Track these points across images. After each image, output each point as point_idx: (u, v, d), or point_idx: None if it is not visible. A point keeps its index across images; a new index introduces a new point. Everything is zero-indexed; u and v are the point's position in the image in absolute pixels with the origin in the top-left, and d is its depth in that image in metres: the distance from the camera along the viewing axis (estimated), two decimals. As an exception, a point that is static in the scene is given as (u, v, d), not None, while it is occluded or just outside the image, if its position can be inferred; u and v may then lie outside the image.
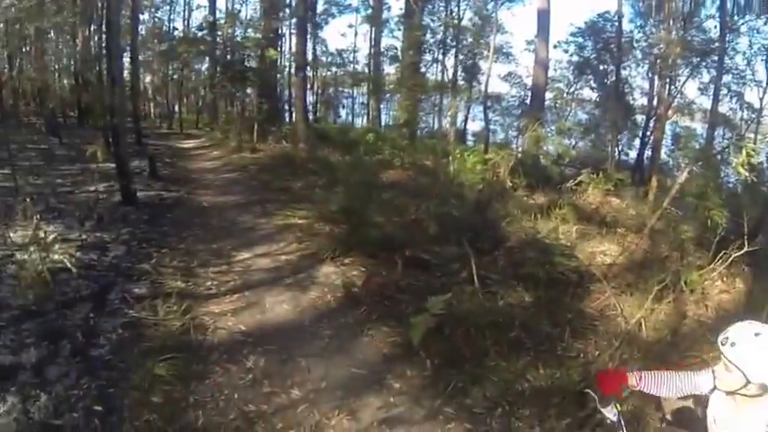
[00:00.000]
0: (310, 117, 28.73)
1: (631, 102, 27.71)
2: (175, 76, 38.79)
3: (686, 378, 3.35)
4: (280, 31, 30.09)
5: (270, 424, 5.07)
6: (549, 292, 7.87)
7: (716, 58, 23.51)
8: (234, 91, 25.73)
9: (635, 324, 6.81)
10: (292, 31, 31.23)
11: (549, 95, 27.85)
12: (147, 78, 39.51)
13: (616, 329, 7.07)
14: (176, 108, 38.90)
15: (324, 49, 37.64)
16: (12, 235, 8.62)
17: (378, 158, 17.22)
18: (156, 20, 39.63)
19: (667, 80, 24.37)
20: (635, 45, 27.24)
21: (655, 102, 25.92)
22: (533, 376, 5.91)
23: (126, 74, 29.64)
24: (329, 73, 38.75)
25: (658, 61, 24.42)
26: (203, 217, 12.04)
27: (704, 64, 24.45)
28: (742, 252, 7.45)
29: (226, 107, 34.85)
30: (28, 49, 26.08)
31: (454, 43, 29.50)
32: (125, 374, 5.50)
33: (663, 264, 8.83)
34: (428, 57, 31.53)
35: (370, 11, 34.88)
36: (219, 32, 32.43)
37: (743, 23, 23.95)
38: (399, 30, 33.65)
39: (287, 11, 30.14)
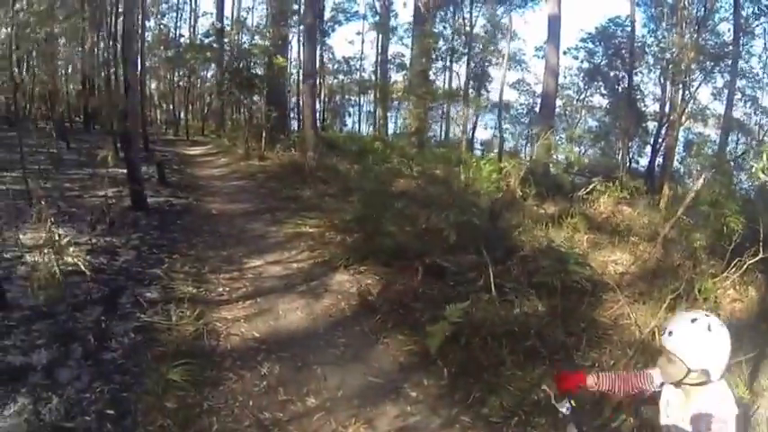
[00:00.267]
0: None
1: (643, 108, 27.61)
2: (182, 83, 38.84)
3: (641, 376, 3.38)
4: (288, 39, 30.07)
5: (285, 432, 4.98)
6: (563, 300, 7.75)
7: (730, 61, 23.39)
8: (242, 98, 25.70)
9: (649, 333, 6.71)
10: (299, 38, 31.28)
11: (558, 102, 27.72)
12: (153, 85, 39.53)
13: (630, 338, 6.99)
14: (182, 115, 38.92)
15: (331, 56, 37.73)
16: (21, 237, 8.55)
17: (387, 167, 17.13)
18: (162, 26, 39.73)
19: (680, 85, 24.24)
20: (647, 50, 27.16)
21: (667, 108, 25.78)
22: (549, 385, 5.77)
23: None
24: (336, 81, 38.72)
25: (670, 66, 24.29)
26: (213, 224, 11.95)
27: (717, 69, 24.38)
28: (756, 259, 7.37)
29: (232, 114, 34.86)
30: (37, 53, 25.99)
31: (465, 51, 29.44)
32: (138, 379, 5.43)
33: (675, 272, 8.76)
34: (438, 64, 31.58)
35: (377, 18, 34.91)
36: (226, 39, 32.50)
37: (758, 25, 23.92)
38: (408, 37, 33.77)
39: (295, 18, 30.12)
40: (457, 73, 31.58)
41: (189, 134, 32.95)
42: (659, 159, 25.67)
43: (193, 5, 40.89)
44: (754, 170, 6.83)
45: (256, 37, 30.24)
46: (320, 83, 34.23)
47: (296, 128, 29.21)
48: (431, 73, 29.88)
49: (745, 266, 7.65)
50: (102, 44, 28.20)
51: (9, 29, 22.12)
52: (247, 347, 6.43)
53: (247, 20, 36.61)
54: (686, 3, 23.93)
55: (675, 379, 2.91)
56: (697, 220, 10.08)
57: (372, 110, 38.31)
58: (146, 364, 5.67)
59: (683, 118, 24.56)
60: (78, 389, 5.13)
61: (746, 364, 6.04)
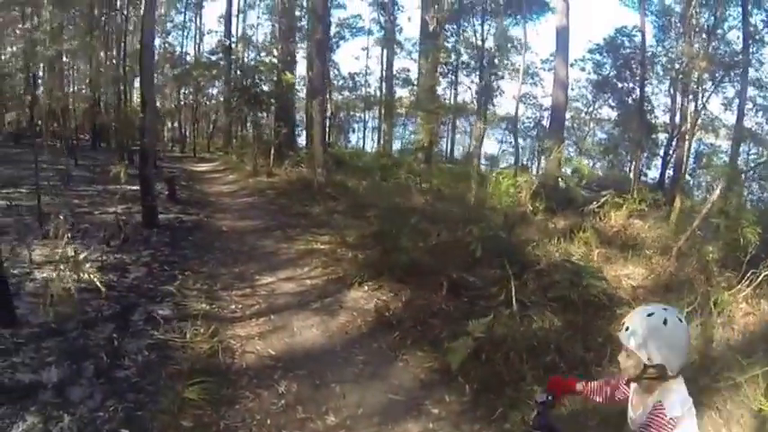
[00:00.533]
0: (324, 141, 28.69)
1: (652, 120, 27.43)
2: (188, 101, 38.93)
3: (617, 382, 3.32)
4: (298, 56, 30.16)
5: (306, 451, 4.85)
6: (580, 315, 7.68)
7: (740, 70, 23.26)
8: (250, 114, 25.71)
9: None
10: (303, 55, 31.36)
11: (566, 115, 27.60)
12: (159, 102, 39.63)
13: None
14: (188, 132, 38.97)
15: (336, 72, 37.70)
16: (25, 252, 8.47)
17: (395, 183, 17.05)
18: (168, 45, 39.96)
19: (690, 96, 24.13)
20: (655, 60, 27.06)
21: (677, 119, 25.67)
22: (569, 400, 5.58)
23: (135, 97, 30.07)
24: (341, 97, 38.73)
25: (680, 77, 24.19)
26: (223, 241, 11.86)
27: (728, 78, 24.29)
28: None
29: (240, 131, 34.89)
30: (48, 70, 26.15)
31: (476, 64, 29.41)
32: (153, 397, 5.28)
33: (689, 286, 8.58)
34: (444, 79, 31.57)
35: (383, 33, 34.94)
36: (233, 56, 32.58)
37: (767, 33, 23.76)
38: (415, 51, 33.74)
39: (301, 34, 30.18)
40: (468, 87, 31.68)
41: (195, 151, 33.02)
42: (669, 171, 25.53)
43: (199, 23, 41.22)
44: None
45: (262, 53, 30.31)
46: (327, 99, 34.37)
47: (303, 144, 29.13)
48: (438, 87, 29.89)
49: (760, 279, 7.70)
50: (112, 62, 28.36)
51: (18, 47, 22.28)
52: (263, 365, 6.29)
53: (253, 37, 36.76)
54: (695, 12, 23.90)
55: (633, 374, 2.88)
56: (706, 232, 10.00)
57: (377, 126, 38.36)
58: (161, 383, 5.53)
59: (693, 128, 24.44)
60: (91, 408, 4.99)
61: (763, 378, 5.91)
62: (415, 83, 33.06)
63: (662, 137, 27.25)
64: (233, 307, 7.95)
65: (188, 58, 40.03)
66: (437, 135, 23.81)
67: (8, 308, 6.38)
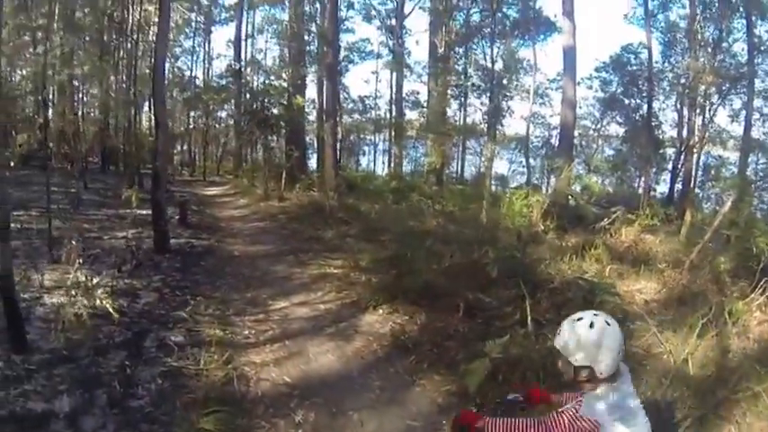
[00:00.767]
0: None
1: (660, 135, 27.38)
2: (197, 124, 39.10)
3: (553, 420, 3.01)
4: (307, 79, 30.25)
5: (326, 482, 4.71)
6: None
7: (746, 82, 23.24)
8: (261, 137, 25.71)
9: (683, 362, 6.55)
10: (313, 79, 31.43)
11: (575, 133, 27.55)
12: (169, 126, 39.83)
13: (664, 367, 6.75)
14: (198, 155, 39.08)
15: (346, 95, 37.73)
16: (36, 277, 8.39)
17: (407, 206, 16.98)
18: (177, 69, 40.25)
19: (698, 110, 24.08)
20: (661, 76, 27.02)
21: (685, 133, 25.58)
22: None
23: (145, 120, 30.21)
24: (351, 120, 38.78)
25: (686, 91, 24.13)
26: (235, 266, 11.75)
27: (734, 91, 24.28)
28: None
29: (250, 154, 34.97)
30: (57, 93, 26.31)
31: (485, 86, 29.44)
32: (168, 428, 5.17)
33: (703, 298, 8.53)
34: (454, 101, 31.63)
35: (391, 56, 35.05)
36: (243, 80, 32.71)
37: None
38: (425, 74, 33.79)
39: (311, 58, 30.30)
40: (479, 108, 31.73)
41: (205, 174, 33.07)
42: (678, 185, 25.41)
43: (207, 48, 41.59)
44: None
45: (272, 77, 30.40)
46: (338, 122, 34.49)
47: (313, 167, 29.12)
48: (448, 109, 29.93)
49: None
50: (122, 86, 28.56)
51: (29, 70, 22.41)
52: (279, 393, 6.14)
53: (262, 61, 36.98)
54: (700, 26, 23.88)
55: (569, 378, 3.06)
56: (717, 244, 9.93)
57: (387, 148, 38.40)
58: (175, 413, 5.40)
59: (702, 142, 24.39)
60: (105, 439, 4.87)
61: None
62: (425, 105, 33.23)
63: (670, 151, 27.15)
64: (246, 332, 7.82)
65: (197, 81, 40.42)
66: (448, 157, 23.77)
67: (19, 334, 6.28)
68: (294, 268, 11.66)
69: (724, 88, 24.01)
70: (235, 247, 13.70)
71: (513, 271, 8.95)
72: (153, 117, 13.59)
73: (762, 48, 23.46)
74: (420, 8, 33.19)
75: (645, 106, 26.45)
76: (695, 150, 24.95)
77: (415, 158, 38.08)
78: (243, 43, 36.98)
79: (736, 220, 10.78)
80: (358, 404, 5.98)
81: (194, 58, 41.68)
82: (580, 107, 30.04)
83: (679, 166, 25.46)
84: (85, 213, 14.98)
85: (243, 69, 34.69)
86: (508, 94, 31.93)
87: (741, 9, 23.31)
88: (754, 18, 22.94)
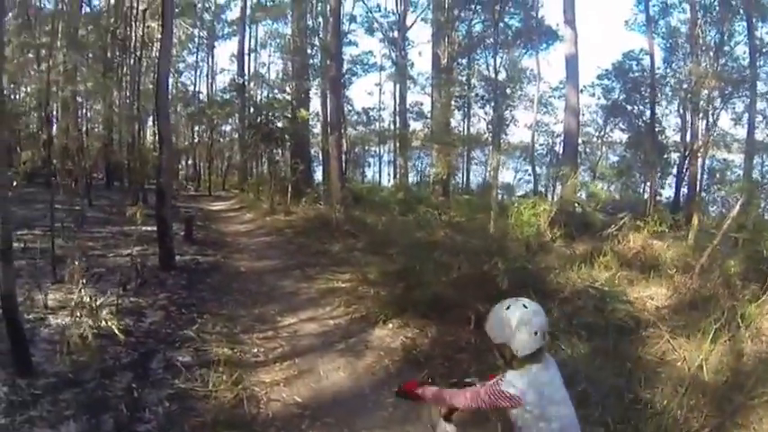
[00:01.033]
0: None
1: (663, 140, 27.27)
2: (202, 139, 39.15)
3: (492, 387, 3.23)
4: (311, 92, 30.21)
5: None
6: (607, 340, 7.45)
7: (748, 85, 23.19)
8: (266, 151, 25.69)
9: (697, 368, 6.39)
10: (316, 92, 31.37)
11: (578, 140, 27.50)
12: (173, 141, 39.86)
13: (679, 374, 6.61)
14: (203, 170, 39.08)
15: (350, 108, 37.62)
16: (41, 297, 8.25)
17: (414, 218, 16.86)
18: (180, 84, 40.31)
19: (701, 114, 23.99)
20: (663, 82, 26.94)
21: (688, 137, 25.50)
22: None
23: (149, 135, 30.23)
24: (355, 132, 38.69)
25: (689, 96, 24.03)
26: (242, 282, 11.64)
27: (736, 94, 24.26)
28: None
29: (255, 168, 34.94)
30: (61, 110, 26.34)
31: (489, 96, 29.38)
32: (177, 455, 4.99)
33: (714, 302, 8.39)
34: (458, 111, 31.60)
35: (394, 68, 35.03)
36: (247, 94, 32.72)
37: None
38: (428, 85, 33.78)
39: (314, 71, 30.29)
40: (483, 118, 31.64)
41: (211, 189, 33.02)
42: (683, 189, 25.29)
43: (211, 63, 41.69)
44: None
45: (276, 91, 30.41)
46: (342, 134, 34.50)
47: (319, 180, 29.04)
48: (452, 119, 29.89)
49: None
50: (126, 101, 28.60)
51: (33, 87, 22.42)
52: (290, 414, 6.00)
53: (265, 75, 37.03)
54: (701, 31, 23.85)
55: (500, 363, 3.27)
56: (725, 247, 9.85)
57: (392, 159, 38.37)
58: (184, 438, 5.23)
59: (706, 146, 24.30)
60: (112, 466, 4.73)
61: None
62: (429, 116, 33.22)
63: (674, 156, 27.10)
64: (255, 351, 7.70)
65: (201, 96, 40.51)
66: (453, 167, 23.69)
67: (24, 357, 6.16)
68: (301, 283, 11.55)
69: (727, 92, 23.98)
70: (241, 262, 13.59)
71: (523, 281, 8.80)
72: (157, 132, 13.47)
73: (763, 50, 23.52)
74: (422, 20, 33.18)
75: (648, 112, 26.48)
76: (699, 154, 24.96)
77: (421, 169, 38.03)
78: (246, 57, 37.14)
79: (743, 223, 10.67)
80: (370, 423, 5.87)
81: (198, 73, 41.82)
82: (583, 114, 29.97)
83: (684, 170, 25.36)
84: (90, 231, 14.88)
85: (246, 83, 34.78)
86: (512, 103, 31.95)
87: (741, 12, 23.34)
88: (754, 20, 23.03)
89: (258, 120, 25.72)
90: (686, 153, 25.23)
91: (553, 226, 13.30)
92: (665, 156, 26.71)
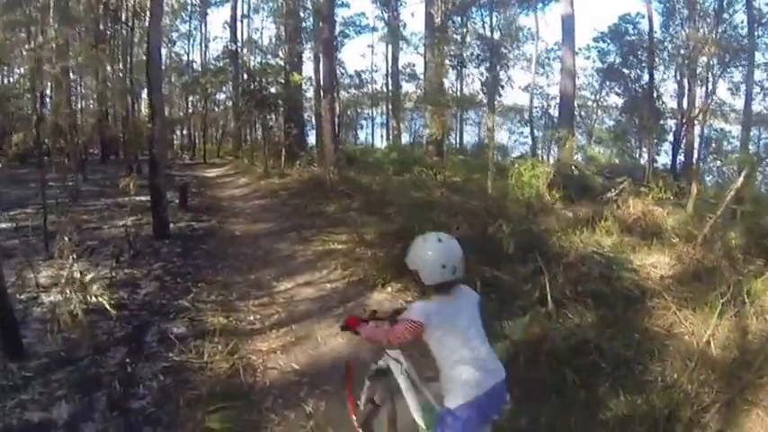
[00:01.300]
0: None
1: (660, 106, 26.91)
2: (196, 108, 38.92)
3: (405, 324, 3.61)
4: (304, 57, 29.95)
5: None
6: (613, 309, 7.26)
7: (746, 54, 22.87)
8: (260, 117, 25.61)
9: (705, 343, 6.30)
10: (309, 56, 31.10)
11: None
12: (167, 112, 39.60)
13: (687, 348, 6.46)
14: (198, 139, 38.89)
15: (342, 71, 37.45)
16: (33, 275, 8.12)
17: (409, 178, 16.70)
18: (174, 54, 39.99)
19: (699, 81, 23.69)
20: (660, 47, 26.58)
21: (685, 104, 25.21)
22: (615, 404, 5.35)
23: (144, 108, 30.01)
24: (348, 95, 38.46)
25: (686, 62, 23.70)
26: (237, 246, 11.52)
27: (734, 63, 23.96)
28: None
29: (249, 134, 34.76)
30: (55, 86, 26.03)
31: (484, 55, 29.04)
32: (172, 429, 4.93)
33: (717, 274, 8.12)
34: (452, 71, 31.25)
35: (387, 29, 34.66)
36: (240, 61, 32.46)
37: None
38: (421, 46, 33.44)
39: (307, 34, 29.93)
40: (479, 78, 31.32)
41: (206, 157, 32.88)
42: (680, 157, 25.08)
43: (204, 31, 41.42)
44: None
45: (269, 56, 30.11)
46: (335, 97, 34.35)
47: (313, 143, 28.86)
48: (445, 80, 29.58)
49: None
50: (119, 74, 28.31)
51: (26, 67, 22.15)
52: (288, 382, 5.88)
53: (258, 40, 36.75)
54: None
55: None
56: (723, 218, 9.65)
57: (385, 122, 38.24)
58: (179, 412, 5.14)
59: (705, 114, 24.04)
60: (105, 445, 4.62)
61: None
62: (422, 77, 32.90)
63: (670, 123, 26.84)
64: (251, 318, 7.56)
65: (195, 65, 40.28)
66: (447, 128, 23.48)
67: (14, 340, 6.03)
68: (297, 245, 11.43)
69: (725, 60, 23.63)
70: (236, 226, 13.49)
71: (528, 244, 8.70)
72: (149, 103, 13.29)
73: (762, 20, 23.12)
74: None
75: (645, 77, 26.31)
76: (697, 122, 24.64)
77: (414, 130, 37.91)
78: (239, 24, 36.92)
79: (742, 195, 10.51)
80: (370, 390, 5.69)
81: (191, 41, 41.74)
82: (578, 78, 29.81)
83: (681, 137, 25.10)
84: (85, 205, 14.84)
85: (240, 50, 34.53)
86: (507, 63, 31.64)
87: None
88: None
89: (251, 86, 25.59)
90: (683, 120, 24.95)
91: (551, 188, 13.13)
92: (662, 122, 26.43)
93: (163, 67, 27.68)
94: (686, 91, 25.53)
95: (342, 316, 7.51)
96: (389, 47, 35.08)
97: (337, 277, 9.27)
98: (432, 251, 3.51)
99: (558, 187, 13.28)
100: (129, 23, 26.80)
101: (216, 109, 40.23)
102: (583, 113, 32.36)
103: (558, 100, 26.51)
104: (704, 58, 23.05)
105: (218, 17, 71.45)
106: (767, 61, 25.02)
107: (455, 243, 3.57)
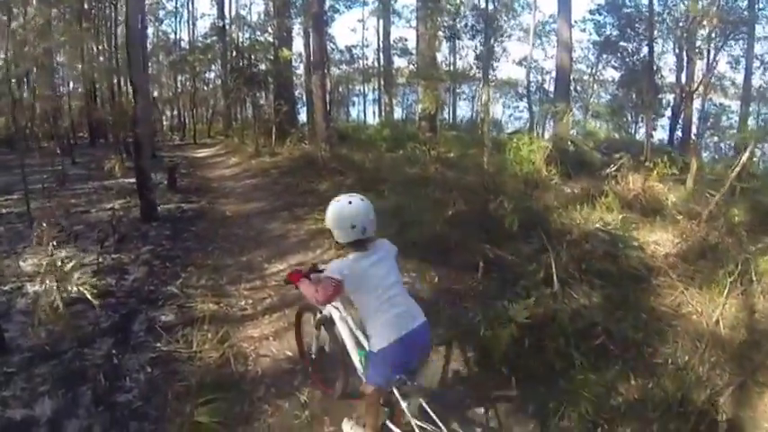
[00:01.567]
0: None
1: (658, 80, 26.56)
2: (185, 87, 38.63)
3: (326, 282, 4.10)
4: (293, 33, 29.55)
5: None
6: (619, 288, 7.03)
7: (746, 28, 22.58)
8: (249, 95, 25.37)
9: (714, 324, 6.14)
10: (299, 32, 30.69)
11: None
12: (156, 92, 39.24)
13: (696, 328, 6.28)
14: (187, 119, 38.58)
15: (333, 46, 36.91)
16: (21, 264, 7.86)
17: (402, 154, 16.46)
18: (161, 33, 39.60)
19: (698, 54, 23.36)
20: (658, 19, 26.18)
21: (683, 78, 24.86)
22: (626, 388, 5.23)
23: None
24: (338, 71, 38.09)
25: (684, 35, 23.34)
26: (228, 227, 11.24)
27: (734, 36, 23.56)
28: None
29: (240, 113, 34.49)
30: (37, 68, 25.61)
31: (479, 26, 28.65)
32: (160, 425, 4.70)
33: (724, 252, 7.89)
34: (445, 44, 30.96)
35: (376, 3, 34.30)
36: (228, 38, 32.16)
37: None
38: (413, 18, 33.04)
39: (296, 9, 29.50)
40: (474, 50, 31.04)
41: (196, 137, 32.64)
42: (677, 133, 24.80)
43: (191, 8, 40.96)
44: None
45: (257, 33, 29.72)
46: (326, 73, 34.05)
47: (304, 121, 28.53)
48: (438, 53, 29.31)
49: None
50: (105, 55, 27.95)
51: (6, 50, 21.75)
52: (281, 370, 5.64)
53: (247, 16, 36.26)
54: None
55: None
56: (725, 195, 9.39)
57: (377, 98, 37.97)
58: (167, 406, 4.91)
59: (706, 88, 23.77)
60: (90, 443, 4.39)
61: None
62: (414, 52, 32.50)
63: (668, 97, 26.47)
64: (242, 303, 7.29)
65: (183, 44, 39.78)
66: (440, 103, 23.21)
67: (-5, 335, 5.76)
68: (290, 225, 11.16)
69: (725, 33, 23.24)
70: (227, 207, 13.19)
71: (531, 221, 8.48)
72: (130, 81, 12.89)
73: None
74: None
75: (642, 50, 25.74)
76: (695, 97, 24.29)
77: (406, 106, 37.67)
78: (227, 0, 36.31)
79: (741, 171, 10.30)
80: (366, 375, 5.47)
81: (178, 19, 40.97)
82: (574, 51, 29.43)
83: (679, 112, 24.78)
84: (72, 189, 14.50)
85: (228, 26, 34.11)
86: (503, 35, 31.32)
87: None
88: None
89: (240, 63, 25.32)
90: (682, 95, 24.61)
91: (549, 164, 12.90)
92: (660, 96, 26.06)
93: (150, 46, 27.35)
94: (685, 65, 25.21)
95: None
96: (380, 21, 34.71)
97: (331, 257, 8.82)
98: (342, 212, 3.94)
99: (556, 163, 13.03)
100: (113, 0, 26.39)
101: (205, 88, 39.86)
102: (579, 88, 31.97)
103: (553, 74, 26.26)
104: (703, 32, 22.70)
105: (205, -7, 70.66)
106: (767, 35, 24.72)
107: (365, 204, 4.01)
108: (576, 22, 28.62)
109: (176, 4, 40.30)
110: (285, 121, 22.80)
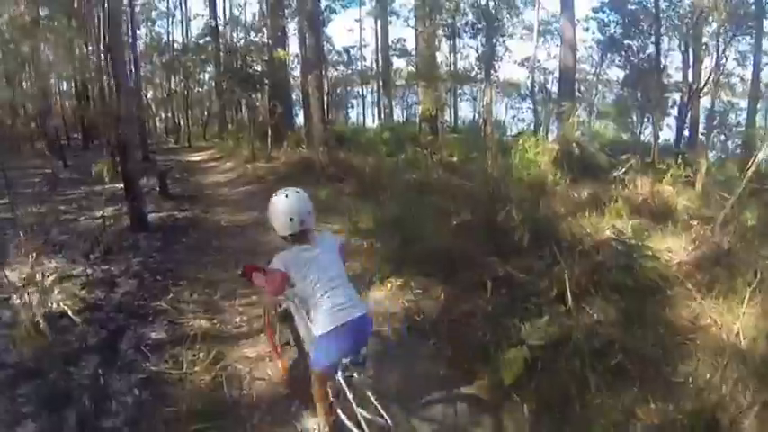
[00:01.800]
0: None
1: (665, 79, 26.32)
2: (179, 89, 38.47)
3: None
4: (288, 34, 29.32)
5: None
6: (636, 303, 6.61)
7: (754, 23, 22.33)
8: (245, 96, 25.08)
9: (735, 337, 5.76)
10: (294, 33, 30.45)
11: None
12: (150, 93, 38.96)
13: (715, 342, 5.87)
14: (182, 121, 38.39)
15: (330, 47, 36.77)
16: (8, 274, 7.49)
17: (403, 158, 16.19)
18: (154, 34, 39.47)
19: (704, 50, 23.12)
20: (663, 15, 25.97)
21: (690, 77, 24.59)
22: (644, 412, 4.83)
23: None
24: (336, 73, 37.81)
25: (690, 32, 23.10)
26: (223, 238, 10.96)
27: (740, 31, 23.29)
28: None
29: (234, 115, 34.28)
30: (26, 70, 25.32)
31: (480, 25, 28.38)
32: (146, 455, 4.34)
33: (737, 258, 7.53)
34: (445, 44, 30.77)
35: (375, 2, 34.12)
36: (222, 39, 31.96)
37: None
38: (412, 18, 32.87)
39: (291, 10, 29.24)
40: (474, 49, 30.79)
41: (190, 140, 32.41)
42: (684, 132, 24.55)
43: (184, 9, 40.85)
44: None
45: (252, 33, 29.47)
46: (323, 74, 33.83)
47: (301, 124, 28.27)
48: (438, 53, 29.06)
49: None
50: (95, 54, 27.63)
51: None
52: (278, 394, 5.30)
53: (241, 17, 36.04)
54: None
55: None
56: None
57: (376, 100, 37.76)
58: None
59: (715, 86, 23.44)
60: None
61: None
62: (413, 53, 32.31)
63: (675, 96, 26.22)
64: (237, 320, 6.98)
65: (176, 45, 39.54)
66: (442, 105, 22.99)
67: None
68: (287, 237, 10.77)
69: (732, 29, 23.01)
70: (221, 216, 12.94)
71: (538, 233, 8.17)
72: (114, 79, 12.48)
73: None
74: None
75: (648, 48, 25.46)
76: (702, 95, 24.01)
77: (406, 107, 37.45)
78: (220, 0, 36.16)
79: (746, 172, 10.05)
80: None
81: (171, 20, 40.82)
82: (578, 50, 29.22)
83: (686, 111, 24.53)
84: (63, 193, 14.31)
85: (221, 27, 33.92)
86: (505, 33, 31.11)
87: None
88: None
89: (234, 64, 25.01)
90: (690, 94, 24.36)
91: (555, 167, 12.64)
92: (666, 95, 25.82)
93: (143, 46, 27.06)
94: (691, 62, 24.97)
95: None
96: (378, 21, 34.49)
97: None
98: (280, 206, 4.07)
99: (562, 166, 12.74)
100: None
101: (200, 90, 39.64)
102: (582, 88, 31.77)
103: (556, 74, 26.13)
104: (709, 27, 22.51)
105: (198, -7, 70.39)
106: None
107: (302, 197, 4.14)
108: (578, 20, 28.46)
109: (168, 4, 40.24)
110: (281, 124, 22.63)
